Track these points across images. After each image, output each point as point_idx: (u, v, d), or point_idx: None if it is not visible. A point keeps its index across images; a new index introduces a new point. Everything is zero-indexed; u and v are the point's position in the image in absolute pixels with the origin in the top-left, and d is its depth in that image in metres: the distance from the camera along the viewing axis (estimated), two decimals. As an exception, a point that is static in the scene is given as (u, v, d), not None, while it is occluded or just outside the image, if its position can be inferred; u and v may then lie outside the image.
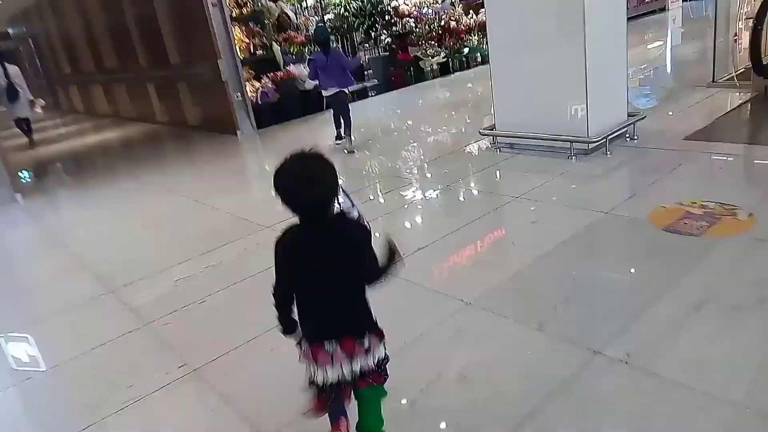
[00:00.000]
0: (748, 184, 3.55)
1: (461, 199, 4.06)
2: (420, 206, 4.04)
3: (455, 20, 10.46)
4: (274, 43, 8.31)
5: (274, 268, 1.48)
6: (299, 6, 9.83)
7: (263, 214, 3.94)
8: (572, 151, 4.19)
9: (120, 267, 3.62)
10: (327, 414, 1.58)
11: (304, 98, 8.20)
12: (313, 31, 8.20)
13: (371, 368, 1.51)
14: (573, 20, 3.91)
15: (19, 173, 7.41)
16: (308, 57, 7.49)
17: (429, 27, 10.09)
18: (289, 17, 9.43)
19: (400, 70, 9.98)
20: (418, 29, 10.04)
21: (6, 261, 4.46)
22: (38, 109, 9.95)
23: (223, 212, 4.49)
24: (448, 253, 3.07)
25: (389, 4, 9.99)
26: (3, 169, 5.92)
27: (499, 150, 4.78)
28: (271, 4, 9.28)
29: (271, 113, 7.84)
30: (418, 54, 9.80)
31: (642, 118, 4.43)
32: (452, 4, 10.93)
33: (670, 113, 5.23)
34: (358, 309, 1.51)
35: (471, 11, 11.15)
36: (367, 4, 9.91)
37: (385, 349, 1.55)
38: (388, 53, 10.11)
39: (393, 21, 10.09)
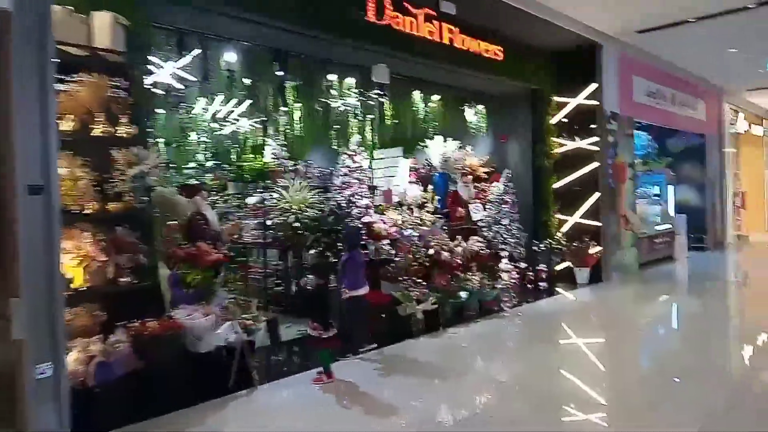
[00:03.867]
0: None
1: None
2: None
3: (448, 249, 7.48)
4: (161, 264, 4.77)
5: None
6: (225, 205, 6.65)
7: None
8: None
9: None
10: None
11: (192, 368, 4.39)
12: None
13: None
14: None
15: None
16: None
17: (414, 256, 6.99)
18: (206, 221, 6.11)
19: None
20: (398, 258, 6.90)
21: None
22: None
23: None
24: None
25: (358, 220, 6.95)
26: None
27: None
28: (180, 198, 6.00)
29: (116, 401, 3.89)
30: (397, 294, 6.47)
31: None
32: (443, 228, 8.10)
33: None
34: None
35: (458, 237, 8.30)
36: (329, 217, 6.84)
37: None
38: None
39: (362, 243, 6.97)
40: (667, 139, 14.46)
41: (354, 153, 7.64)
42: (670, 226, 12.98)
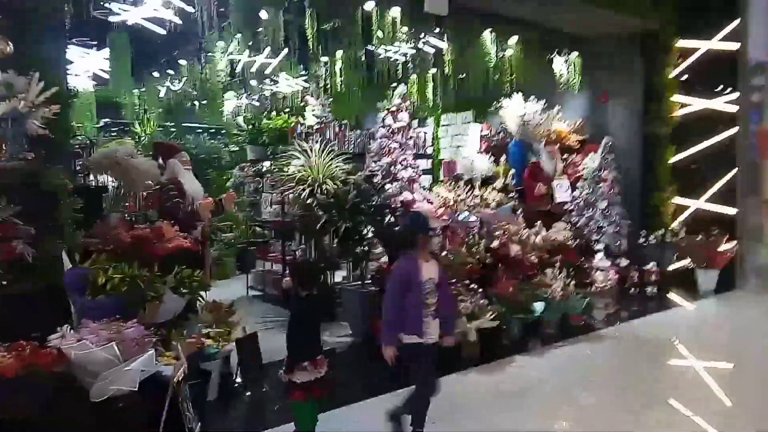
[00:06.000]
0: None
1: None
2: None
3: (518, 240, 5.44)
4: (65, 253, 3.21)
5: None
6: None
7: None
8: None
9: None
10: None
11: (90, 424, 2.80)
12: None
13: None
14: None
15: None
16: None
17: (469, 250, 5.02)
18: (181, 192, 4.49)
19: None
20: (447, 252, 4.95)
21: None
22: None
23: None
24: None
25: (394, 198, 5.08)
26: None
27: None
28: (143, 160, 4.42)
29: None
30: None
31: None
32: (514, 210, 6.03)
33: None
34: None
35: (536, 224, 6.17)
36: (352, 191, 5.01)
37: None
38: (376, 289, 4.92)
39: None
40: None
41: (396, 109, 5.77)
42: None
